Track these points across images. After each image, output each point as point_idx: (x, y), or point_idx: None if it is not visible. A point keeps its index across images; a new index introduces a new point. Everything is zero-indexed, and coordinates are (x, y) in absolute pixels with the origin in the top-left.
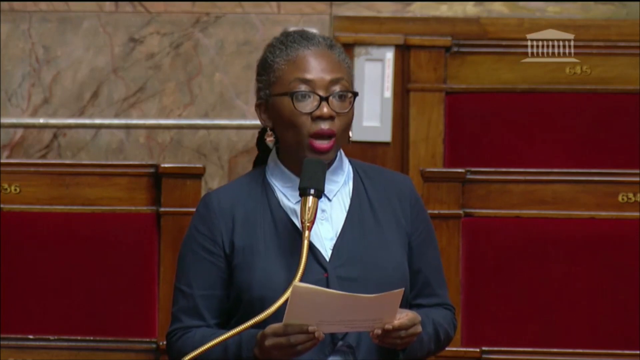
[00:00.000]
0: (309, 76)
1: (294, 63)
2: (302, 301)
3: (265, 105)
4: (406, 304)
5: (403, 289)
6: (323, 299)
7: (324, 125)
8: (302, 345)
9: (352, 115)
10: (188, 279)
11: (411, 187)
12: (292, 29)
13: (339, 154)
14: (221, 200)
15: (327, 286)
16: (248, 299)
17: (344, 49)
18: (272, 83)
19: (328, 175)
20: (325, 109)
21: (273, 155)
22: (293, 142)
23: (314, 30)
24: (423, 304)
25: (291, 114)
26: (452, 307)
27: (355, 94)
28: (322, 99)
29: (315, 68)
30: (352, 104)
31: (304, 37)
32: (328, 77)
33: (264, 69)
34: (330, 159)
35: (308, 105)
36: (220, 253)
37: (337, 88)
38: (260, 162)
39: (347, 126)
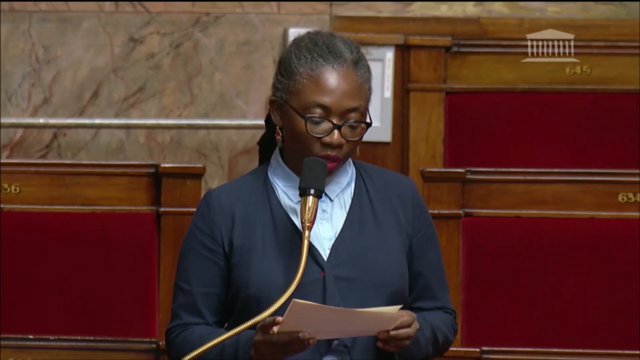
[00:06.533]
0: (327, 101)
1: (316, 82)
2: (299, 316)
3: (279, 106)
4: (406, 307)
5: (401, 305)
6: (321, 314)
7: (331, 152)
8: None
9: (362, 139)
10: (188, 276)
11: (414, 189)
12: (321, 32)
13: None
14: (222, 198)
15: (324, 285)
16: (245, 297)
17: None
18: (290, 92)
19: (332, 177)
20: (335, 137)
21: (276, 154)
22: (298, 153)
23: (341, 43)
24: (423, 307)
25: (302, 133)
26: (453, 311)
27: (369, 125)
28: (335, 126)
29: (335, 92)
30: (363, 131)
31: (331, 52)
32: (346, 104)
33: (286, 71)
34: (330, 176)
35: (320, 129)
36: (220, 251)
37: (352, 117)
38: (264, 158)
39: (354, 149)
